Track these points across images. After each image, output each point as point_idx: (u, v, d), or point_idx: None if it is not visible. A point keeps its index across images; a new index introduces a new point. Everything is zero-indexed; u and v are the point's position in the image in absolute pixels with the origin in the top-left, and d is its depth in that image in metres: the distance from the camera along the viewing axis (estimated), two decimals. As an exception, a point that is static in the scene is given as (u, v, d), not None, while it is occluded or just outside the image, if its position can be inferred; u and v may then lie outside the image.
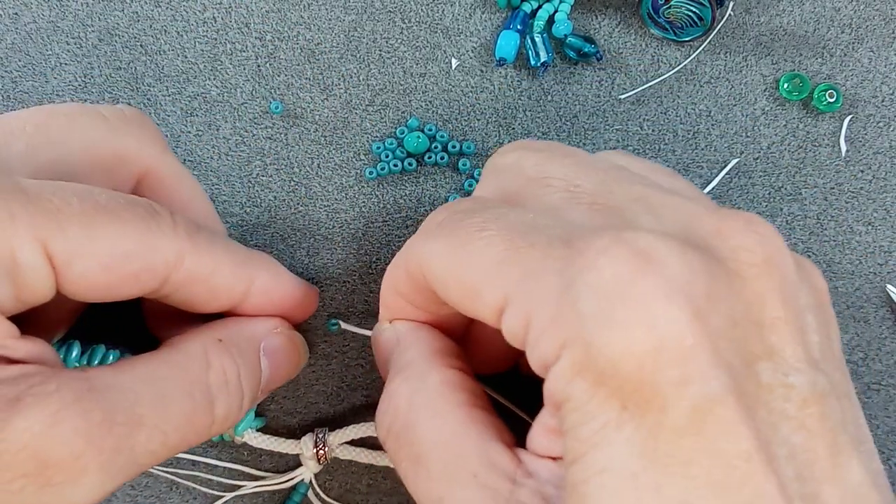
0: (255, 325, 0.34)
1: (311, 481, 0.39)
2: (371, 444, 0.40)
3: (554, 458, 0.27)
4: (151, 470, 0.39)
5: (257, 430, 0.39)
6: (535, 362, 0.25)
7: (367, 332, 0.39)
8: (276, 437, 0.39)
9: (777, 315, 0.25)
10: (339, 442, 0.38)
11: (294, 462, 0.40)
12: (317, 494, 0.40)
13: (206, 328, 0.33)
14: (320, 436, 0.39)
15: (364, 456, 0.39)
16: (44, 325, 0.33)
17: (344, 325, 0.40)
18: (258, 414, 0.40)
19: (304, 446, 0.38)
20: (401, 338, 0.34)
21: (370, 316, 0.41)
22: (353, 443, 0.39)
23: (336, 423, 0.40)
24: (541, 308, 0.25)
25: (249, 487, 0.39)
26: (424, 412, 0.30)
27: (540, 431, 0.28)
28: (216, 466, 0.40)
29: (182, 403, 0.29)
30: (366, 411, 0.40)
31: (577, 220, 0.27)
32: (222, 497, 0.39)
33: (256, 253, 0.34)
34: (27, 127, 0.31)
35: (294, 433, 0.40)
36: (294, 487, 0.39)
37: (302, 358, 0.37)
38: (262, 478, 0.40)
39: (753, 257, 0.25)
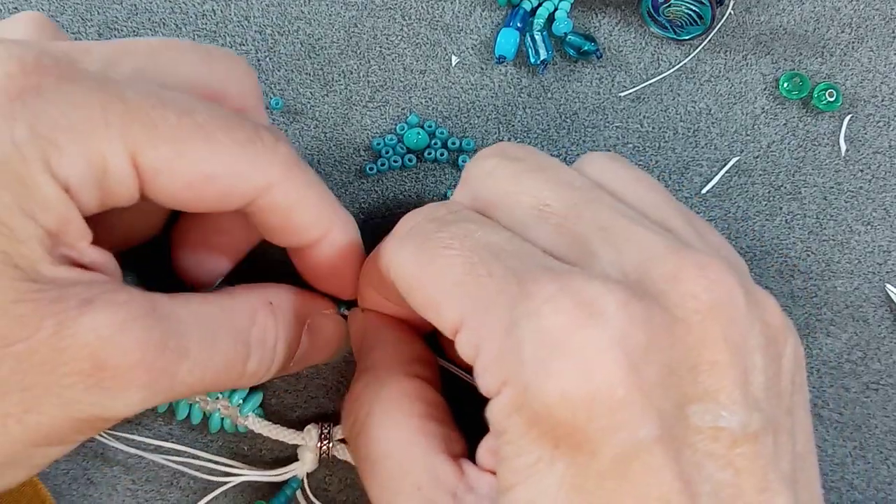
0: (307, 301, 0.35)
1: (303, 479, 0.39)
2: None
3: (495, 473, 0.28)
4: (153, 462, 0.39)
5: (259, 417, 0.39)
6: (481, 388, 0.27)
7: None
8: (278, 426, 0.39)
9: (716, 359, 0.26)
10: (339, 436, 0.38)
11: (294, 456, 0.40)
12: (305, 496, 0.39)
13: (262, 287, 0.34)
14: (325, 429, 0.38)
15: None
16: (127, 228, 0.35)
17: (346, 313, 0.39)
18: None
19: (307, 436, 0.38)
20: (368, 333, 0.35)
21: (369, 312, 0.41)
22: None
23: (336, 417, 0.40)
24: (488, 342, 0.26)
25: (247, 476, 0.39)
26: (380, 421, 0.32)
27: (485, 448, 0.29)
28: (215, 459, 0.39)
29: (225, 348, 0.30)
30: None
31: (541, 240, 0.29)
32: (220, 486, 0.39)
33: (341, 208, 0.34)
34: (139, 50, 0.31)
35: (294, 428, 0.40)
36: (286, 482, 0.39)
37: (342, 344, 0.38)
38: (259, 471, 0.39)
39: (699, 304, 0.26)
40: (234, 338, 0.31)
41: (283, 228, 0.32)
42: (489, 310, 0.26)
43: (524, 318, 0.25)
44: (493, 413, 0.26)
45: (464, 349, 0.27)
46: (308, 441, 0.38)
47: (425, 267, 0.28)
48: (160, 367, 0.27)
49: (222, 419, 0.39)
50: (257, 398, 0.39)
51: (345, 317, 0.39)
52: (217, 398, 0.38)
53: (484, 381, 0.26)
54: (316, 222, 0.33)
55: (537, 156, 0.32)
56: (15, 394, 0.26)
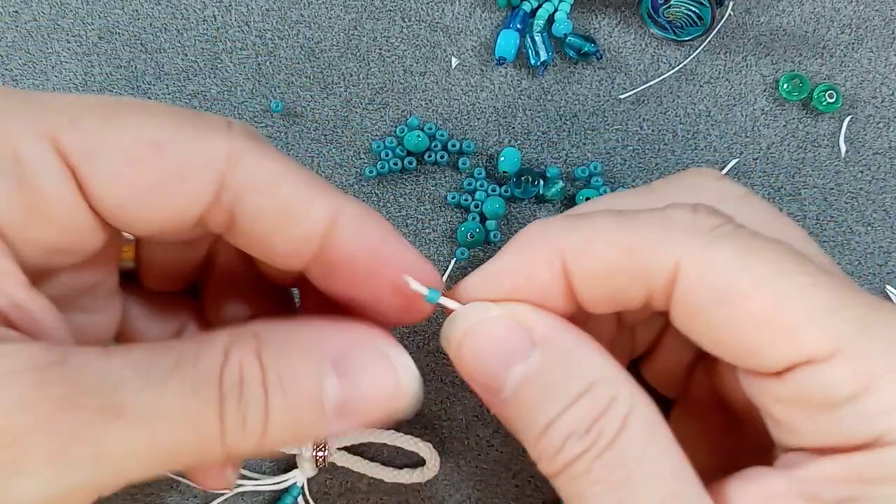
0: (323, 331, 0.25)
1: (303, 486, 0.39)
2: (363, 451, 0.40)
3: None
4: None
5: None
6: (853, 429, 0.23)
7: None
8: None
9: None
10: (338, 446, 0.38)
11: (293, 464, 0.40)
12: (306, 500, 0.40)
13: (255, 322, 0.25)
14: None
15: (360, 466, 0.39)
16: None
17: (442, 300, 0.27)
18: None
19: (303, 445, 0.39)
20: (548, 339, 0.26)
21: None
22: (351, 450, 0.39)
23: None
24: (890, 377, 0.23)
25: (248, 486, 0.39)
26: (640, 438, 0.25)
27: (760, 498, 0.24)
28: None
29: (181, 398, 0.22)
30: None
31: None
32: (220, 495, 0.39)
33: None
34: None
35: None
36: (287, 490, 0.39)
37: (406, 391, 0.25)
38: (259, 479, 0.40)
39: None
40: (196, 383, 0.22)
41: (278, 215, 0.25)
42: (891, 343, 0.23)
43: None
44: (884, 464, 0.23)
45: (833, 381, 0.23)
46: (304, 451, 0.38)
47: (769, 281, 0.24)
48: (71, 431, 0.20)
49: None
50: None
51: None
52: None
53: (883, 422, 0.23)
54: (317, 198, 0.25)
55: None
56: None
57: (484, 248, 0.41)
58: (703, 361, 0.32)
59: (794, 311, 0.23)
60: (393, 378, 0.25)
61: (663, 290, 0.25)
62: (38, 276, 0.24)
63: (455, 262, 0.41)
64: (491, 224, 0.41)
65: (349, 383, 0.24)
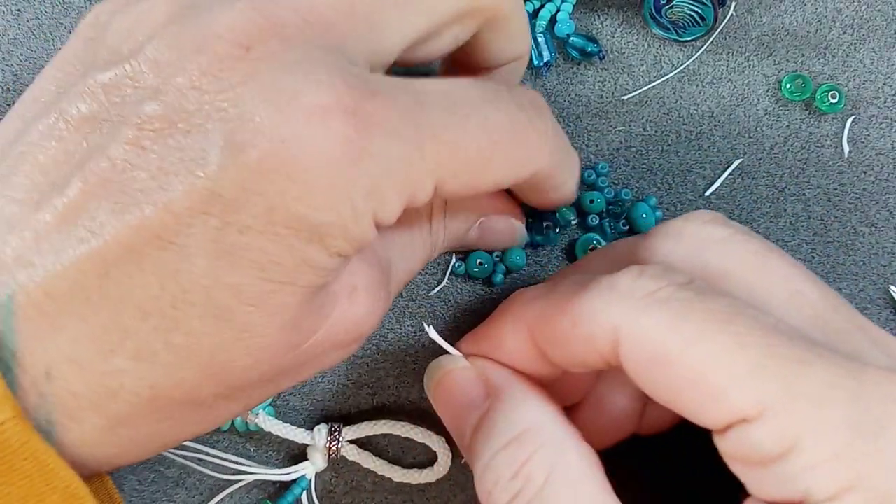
0: (481, 201, 0.37)
1: (311, 480, 0.39)
2: (377, 444, 0.40)
3: None
4: (159, 462, 0.39)
5: (270, 416, 0.39)
6: (786, 486, 0.25)
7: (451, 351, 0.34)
8: (288, 425, 0.38)
9: None
10: (351, 437, 0.38)
11: (303, 456, 0.40)
12: (310, 499, 0.39)
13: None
14: (335, 427, 0.38)
15: (370, 462, 0.39)
16: None
17: (432, 334, 0.33)
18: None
19: (316, 435, 0.38)
20: (499, 389, 0.31)
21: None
22: (361, 445, 0.39)
23: (342, 420, 0.40)
24: (821, 437, 0.24)
25: (258, 475, 0.39)
26: (565, 492, 0.28)
27: None
28: (224, 460, 0.39)
29: (416, 255, 0.33)
30: (372, 410, 0.41)
31: (807, 334, 0.27)
32: (227, 488, 0.39)
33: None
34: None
35: (300, 430, 0.40)
36: (295, 481, 0.39)
37: (516, 242, 0.39)
38: (267, 471, 0.40)
39: None
40: (422, 244, 0.34)
41: (539, 190, 0.35)
42: (818, 401, 0.24)
43: (890, 418, 0.24)
44: None
45: (762, 442, 0.25)
46: (318, 440, 0.38)
47: (697, 344, 0.26)
48: (384, 299, 0.31)
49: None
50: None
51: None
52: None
53: (806, 481, 0.24)
54: (563, 166, 0.35)
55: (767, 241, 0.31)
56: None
57: (488, 247, 0.41)
58: None
59: (721, 373, 0.25)
60: (513, 239, 0.39)
61: (612, 355, 0.28)
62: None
63: (458, 260, 0.41)
64: (495, 224, 0.41)
65: (483, 236, 0.37)
